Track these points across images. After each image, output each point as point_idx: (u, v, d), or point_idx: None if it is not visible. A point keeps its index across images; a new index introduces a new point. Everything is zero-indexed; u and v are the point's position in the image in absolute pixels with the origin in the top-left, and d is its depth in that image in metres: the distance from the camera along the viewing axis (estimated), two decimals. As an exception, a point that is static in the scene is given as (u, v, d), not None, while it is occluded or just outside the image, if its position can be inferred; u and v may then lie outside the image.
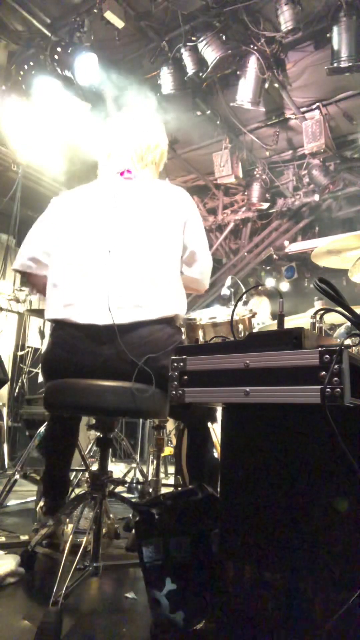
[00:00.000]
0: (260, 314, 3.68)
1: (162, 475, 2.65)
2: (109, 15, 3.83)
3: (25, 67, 4.19)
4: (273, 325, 2.75)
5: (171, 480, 3.83)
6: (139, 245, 1.68)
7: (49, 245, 1.80)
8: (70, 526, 1.99)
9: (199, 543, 1.27)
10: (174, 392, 1.16)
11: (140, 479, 3.54)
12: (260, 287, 5.50)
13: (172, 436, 4.35)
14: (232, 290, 2.91)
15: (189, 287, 1.89)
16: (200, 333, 2.35)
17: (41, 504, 2.05)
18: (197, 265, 1.86)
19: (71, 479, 2.74)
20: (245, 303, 3.24)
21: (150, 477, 3.17)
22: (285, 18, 3.73)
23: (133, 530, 2.05)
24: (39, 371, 4.36)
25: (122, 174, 1.86)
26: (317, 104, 5.03)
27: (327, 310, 1.28)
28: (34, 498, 2.75)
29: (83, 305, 1.63)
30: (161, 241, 1.72)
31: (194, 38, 4.13)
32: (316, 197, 6.18)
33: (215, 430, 2.02)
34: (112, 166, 1.91)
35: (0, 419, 4.44)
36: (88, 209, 1.79)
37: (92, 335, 1.62)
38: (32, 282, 1.95)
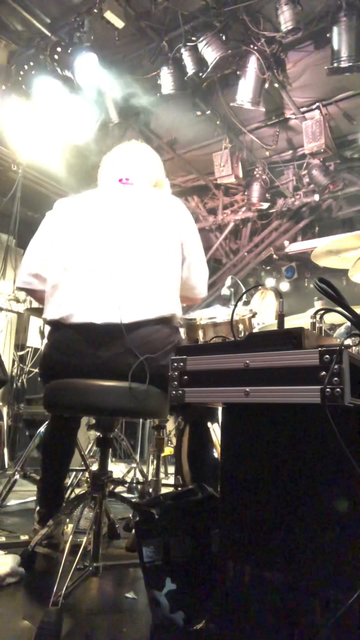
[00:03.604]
0: (266, 307, 3.67)
1: (162, 475, 2.65)
2: (109, 15, 3.82)
3: (25, 67, 4.18)
4: (273, 325, 2.75)
5: (171, 480, 3.83)
6: (136, 246, 1.69)
7: (48, 259, 1.80)
8: (70, 526, 1.99)
9: (199, 543, 1.27)
10: (174, 392, 1.16)
11: (140, 479, 3.54)
12: (259, 287, 5.50)
13: (172, 436, 4.35)
14: (232, 290, 2.91)
15: (183, 296, 1.89)
16: (200, 333, 2.35)
17: (37, 508, 2.05)
18: (193, 276, 1.86)
19: (71, 479, 2.75)
20: (246, 303, 3.23)
21: (150, 477, 3.17)
22: (285, 18, 3.73)
23: (133, 530, 2.05)
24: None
25: (120, 180, 1.90)
26: (317, 104, 5.03)
27: (327, 310, 1.28)
28: (34, 498, 2.74)
29: (80, 304, 1.63)
30: (159, 243, 1.73)
31: (194, 38, 4.13)
32: (316, 197, 6.18)
33: (215, 430, 2.02)
34: (111, 175, 1.95)
35: (0, 419, 4.44)
36: (86, 212, 1.80)
37: (89, 337, 1.61)
38: (37, 297, 1.94)
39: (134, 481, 3.50)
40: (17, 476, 2.77)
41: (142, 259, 1.67)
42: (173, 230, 1.78)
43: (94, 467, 2.38)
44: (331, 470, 1.01)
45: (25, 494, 3.09)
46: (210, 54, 4.08)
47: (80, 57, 3.97)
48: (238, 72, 4.44)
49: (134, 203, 1.79)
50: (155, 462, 2.52)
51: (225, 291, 2.91)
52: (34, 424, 3.62)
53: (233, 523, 1.12)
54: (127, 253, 1.67)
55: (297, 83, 4.78)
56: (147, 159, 2.03)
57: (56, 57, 4.03)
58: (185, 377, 1.16)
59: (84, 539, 1.53)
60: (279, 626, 1.00)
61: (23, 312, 4.80)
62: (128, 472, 3.83)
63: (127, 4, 3.97)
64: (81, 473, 2.88)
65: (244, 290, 3.18)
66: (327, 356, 0.95)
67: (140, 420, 4.24)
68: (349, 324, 1.71)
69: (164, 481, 2.62)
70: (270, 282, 7.46)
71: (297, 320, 2.48)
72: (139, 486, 3.23)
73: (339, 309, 1.17)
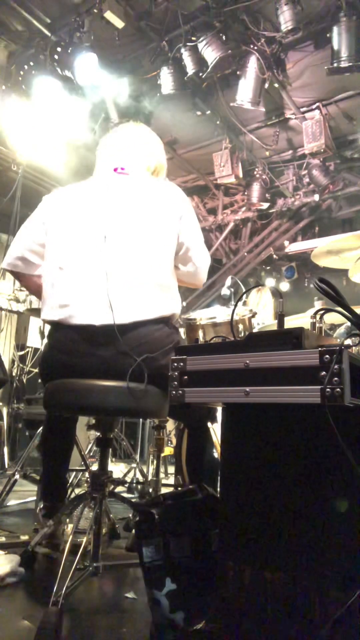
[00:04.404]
0: (263, 306, 3.68)
1: (162, 475, 2.65)
2: (109, 15, 3.83)
3: (25, 67, 4.18)
4: (273, 324, 2.75)
5: (171, 480, 3.83)
6: (134, 242, 1.67)
7: (38, 245, 1.80)
8: (70, 526, 1.99)
9: (199, 543, 1.27)
10: (173, 392, 1.16)
11: (140, 479, 3.54)
12: (258, 287, 5.51)
13: (172, 436, 4.35)
14: (232, 290, 2.91)
15: (183, 282, 1.88)
16: (200, 333, 2.35)
17: (40, 505, 2.05)
18: (192, 262, 1.83)
19: (71, 479, 2.75)
20: (244, 303, 3.24)
21: (150, 477, 3.17)
22: (285, 18, 3.73)
23: (133, 530, 2.05)
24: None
25: (115, 169, 1.86)
26: (317, 104, 5.03)
27: (327, 310, 1.28)
28: (34, 498, 2.75)
29: (79, 305, 1.62)
30: (157, 238, 1.71)
31: (194, 38, 4.13)
32: (316, 197, 6.18)
33: (215, 430, 2.02)
34: (106, 164, 1.91)
35: (0, 419, 4.44)
36: (81, 205, 1.78)
37: (89, 336, 1.61)
38: (24, 283, 1.95)
39: (134, 481, 3.50)
40: (17, 476, 2.77)
41: (138, 256, 1.66)
42: (170, 221, 1.74)
43: (94, 467, 2.38)
44: (331, 470, 1.01)
45: (25, 494, 3.09)
46: (210, 54, 4.08)
47: (80, 57, 3.97)
48: (238, 72, 4.43)
49: (128, 195, 1.76)
50: (155, 462, 2.52)
51: (225, 291, 2.91)
52: (34, 424, 3.62)
53: (233, 523, 1.12)
54: (123, 250, 1.65)
55: (297, 83, 4.77)
56: (145, 144, 1.97)
57: (56, 57, 4.04)
58: (185, 377, 1.16)
59: (84, 539, 1.53)
60: (279, 626, 1.00)
61: (23, 312, 4.80)
62: (128, 472, 3.83)
63: (127, 4, 3.97)
64: (81, 473, 2.88)
65: (244, 290, 3.18)
66: (327, 356, 0.95)
67: (140, 420, 4.24)
68: (349, 324, 1.72)
69: (164, 481, 2.62)
70: (270, 282, 7.46)
71: (297, 320, 2.48)
72: (139, 486, 3.23)
73: (339, 309, 1.17)
